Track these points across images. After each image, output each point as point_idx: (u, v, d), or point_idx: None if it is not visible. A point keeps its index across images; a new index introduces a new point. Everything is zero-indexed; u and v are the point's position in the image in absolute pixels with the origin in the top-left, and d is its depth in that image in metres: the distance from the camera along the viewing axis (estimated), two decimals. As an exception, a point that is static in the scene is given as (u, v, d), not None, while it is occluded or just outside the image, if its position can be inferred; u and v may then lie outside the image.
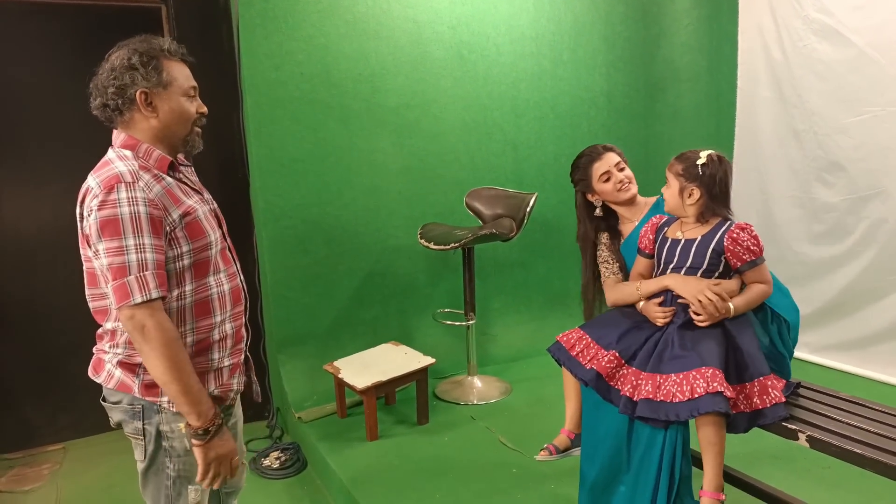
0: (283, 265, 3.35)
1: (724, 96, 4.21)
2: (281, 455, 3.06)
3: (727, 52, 4.15)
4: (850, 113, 3.25)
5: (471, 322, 3.39)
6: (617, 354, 1.96)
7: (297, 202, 3.36)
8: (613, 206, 2.32)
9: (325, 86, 3.32)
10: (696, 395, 1.73)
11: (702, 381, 1.74)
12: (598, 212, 2.33)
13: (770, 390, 1.79)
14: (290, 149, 3.32)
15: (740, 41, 3.99)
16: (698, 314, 1.89)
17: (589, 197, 2.34)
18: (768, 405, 1.78)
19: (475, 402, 3.29)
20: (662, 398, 1.79)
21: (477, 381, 3.43)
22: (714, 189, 1.92)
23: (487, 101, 3.78)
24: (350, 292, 3.49)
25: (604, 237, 2.34)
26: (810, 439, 1.68)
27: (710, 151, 1.93)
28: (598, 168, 2.26)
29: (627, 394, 1.88)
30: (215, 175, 3.23)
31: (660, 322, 1.97)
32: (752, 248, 1.89)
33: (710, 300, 1.85)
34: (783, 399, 1.78)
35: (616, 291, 2.25)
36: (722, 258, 1.92)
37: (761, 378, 1.82)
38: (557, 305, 3.98)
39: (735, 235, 1.89)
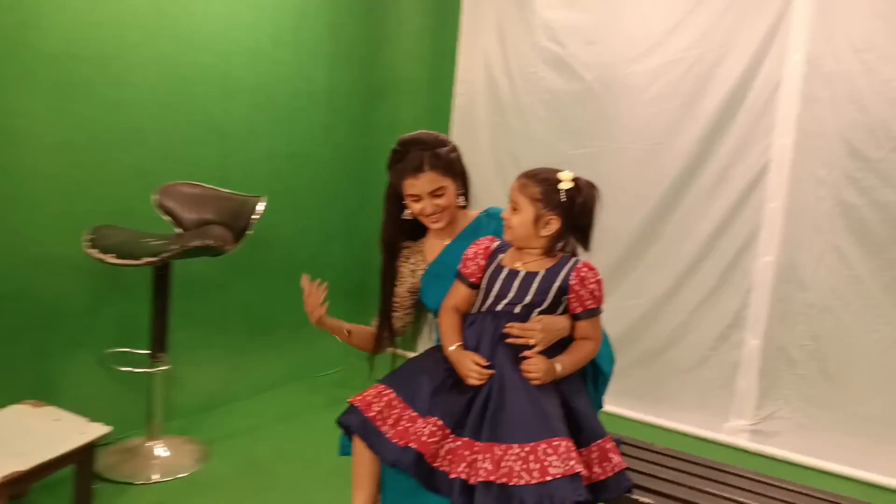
0: None
1: (441, 112, 4.05)
2: None
3: (448, 68, 4.00)
4: (575, 145, 3.32)
5: (161, 367, 2.48)
6: (441, 423, 1.45)
7: None
8: None
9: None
10: (548, 479, 1.33)
11: (555, 458, 1.35)
12: (407, 214, 1.80)
13: (610, 455, 1.50)
14: None
15: (461, 59, 3.87)
16: (529, 370, 1.50)
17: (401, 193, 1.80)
18: (610, 474, 1.48)
19: (160, 478, 2.39)
20: (504, 479, 1.35)
21: (160, 448, 2.52)
22: (578, 221, 1.57)
23: (190, 73, 2.91)
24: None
25: (405, 251, 1.85)
26: None
27: (571, 173, 1.57)
28: (410, 186, 1.73)
29: (462, 476, 1.39)
30: None
31: (472, 382, 1.52)
32: (595, 293, 1.58)
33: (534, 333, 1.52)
34: (625, 465, 1.49)
35: None
36: (564, 299, 1.57)
37: (599, 441, 1.51)
38: (260, 335, 3.27)
39: (583, 274, 1.57)
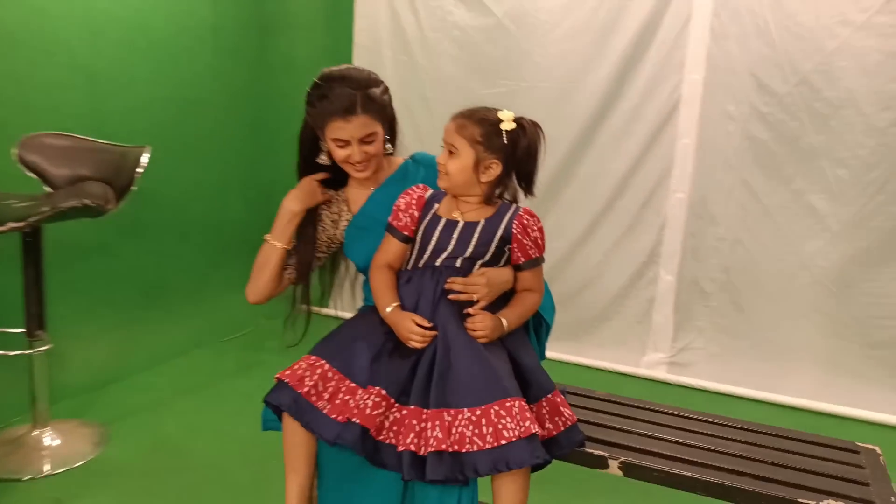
0: None
1: (341, 51, 3.77)
2: None
3: (345, 2, 3.71)
4: (486, 84, 3.19)
5: (42, 347, 2.17)
6: (384, 393, 1.32)
7: None
8: None
9: None
10: (503, 442, 1.25)
11: (508, 419, 1.27)
12: (323, 158, 1.61)
13: (561, 409, 1.43)
14: None
15: (357, -8, 3.60)
16: (475, 328, 1.40)
17: (319, 134, 1.59)
18: (562, 429, 1.41)
19: (52, 470, 2.12)
20: (457, 447, 1.26)
21: (49, 435, 2.23)
22: (521, 166, 1.45)
23: (45, 3, 2.49)
24: None
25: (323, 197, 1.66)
26: (624, 465, 1.37)
27: (512, 113, 1.43)
28: (337, 129, 1.52)
29: (411, 447, 1.28)
30: None
31: (414, 345, 1.40)
32: (538, 241, 1.48)
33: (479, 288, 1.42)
34: (575, 418, 1.43)
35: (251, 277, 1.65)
36: (507, 249, 1.46)
37: (549, 396, 1.44)
38: (155, 302, 2.97)
39: (526, 222, 1.46)
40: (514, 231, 1.45)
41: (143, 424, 2.41)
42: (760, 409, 2.66)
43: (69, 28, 2.56)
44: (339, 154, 1.55)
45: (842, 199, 2.56)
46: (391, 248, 1.51)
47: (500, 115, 1.41)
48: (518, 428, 1.25)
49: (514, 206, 1.49)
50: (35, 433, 2.24)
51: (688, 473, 1.32)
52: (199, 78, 3.15)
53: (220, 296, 3.22)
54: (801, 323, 2.69)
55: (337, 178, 1.67)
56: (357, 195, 1.66)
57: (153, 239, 2.96)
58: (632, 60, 2.87)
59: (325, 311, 3.68)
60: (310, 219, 1.64)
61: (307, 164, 1.66)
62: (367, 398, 1.31)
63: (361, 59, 3.52)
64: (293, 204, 1.60)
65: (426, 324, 1.39)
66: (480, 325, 1.39)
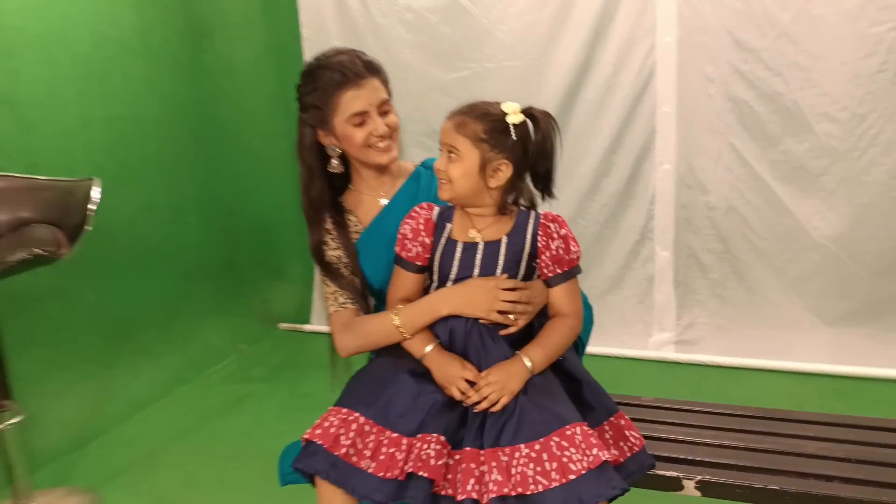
0: None
1: (286, 48, 3.53)
2: None
3: (282, -6, 3.46)
4: (449, 69, 3.02)
5: (13, 420, 1.93)
6: (442, 439, 1.18)
7: None
8: (355, 165, 1.46)
9: None
10: (571, 477, 1.12)
11: (573, 450, 1.13)
12: (334, 165, 1.42)
13: (627, 433, 1.31)
14: None
15: (294, -20, 3.36)
16: (484, 396, 1.24)
17: (321, 137, 1.41)
18: (629, 454, 1.29)
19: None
20: (520, 489, 1.12)
21: (35, 511, 2.01)
22: (535, 165, 1.28)
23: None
24: None
25: (328, 222, 1.45)
26: (703, 485, 1.27)
27: (516, 104, 1.27)
28: (352, 100, 1.34)
29: (473, 496, 1.13)
30: None
31: (454, 395, 1.25)
32: (573, 249, 1.31)
33: (515, 306, 1.26)
34: (643, 441, 1.32)
35: (357, 334, 1.39)
36: (535, 264, 1.32)
37: (612, 419, 1.32)
38: (125, 344, 2.71)
39: (549, 229, 1.30)
40: (540, 243, 1.29)
41: (135, 483, 2.19)
42: (778, 379, 2.61)
43: (-23, 52, 2.27)
44: (358, 135, 1.36)
45: (834, 155, 2.50)
46: (406, 282, 1.34)
47: (505, 107, 1.24)
48: (585, 458, 1.12)
49: (533, 212, 1.32)
50: (19, 512, 2.01)
51: (774, 486, 1.23)
52: (132, 91, 2.86)
53: (194, 326, 2.99)
54: (807, 286, 2.65)
55: (342, 186, 1.49)
56: (367, 204, 1.47)
57: (112, 276, 2.69)
58: (600, 27, 2.75)
59: (306, 327, 3.53)
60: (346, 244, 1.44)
61: (315, 177, 1.44)
62: (426, 447, 1.16)
63: (311, 53, 3.28)
64: (446, 308, 1.30)
65: (474, 378, 1.23)
66: (489, 389, 1.22)
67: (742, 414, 1.48)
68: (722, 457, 1.33)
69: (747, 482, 1.25)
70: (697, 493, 1.28)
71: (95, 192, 2.09)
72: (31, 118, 2.44)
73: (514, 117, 1.24)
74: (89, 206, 2.07)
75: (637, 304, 2.89)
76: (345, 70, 1.33)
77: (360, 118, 1.35)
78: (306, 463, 1.20)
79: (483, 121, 1.24)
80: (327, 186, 1.44)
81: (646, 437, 1.39)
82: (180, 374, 2.85)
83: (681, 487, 1.29)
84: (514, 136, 1.23)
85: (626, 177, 2.82)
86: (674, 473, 1.30)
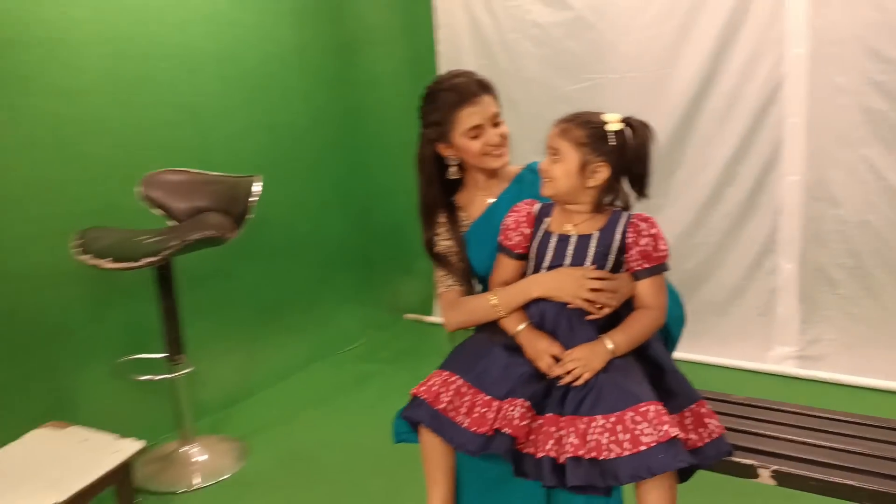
0: None
1: (422, 62, 3.81)
2: None
3: (423, 12, 3.74)
4: (571, 80, 3.15)
5: (184, 370, 2.31)
6: (528, 404, 1.32)
7: None
8: (470, 170, 1.64)
9: None
10: (642, 448, 1.21)
11: (646, 425, 1.23)
12: (452, 172, 1.61)
13: (706, 420, 1.38)
14: None
15: (437, 1, 3.62)
16: (567, 370, 1.36)
17: (440, 149, 1.60)
18: (707, 440, 1.37)
19: (203, 483, 2.26)
20: (594, 454, 1.24)
21: (197, 451, 2.37)
22: (631, 168, 1.40)
23: (149, 49, 2.63)
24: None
25: (441, 217, 1.64)
26: (777, 475, 1.31)
27: (616, 114, 1.40)
28: (469, 116, 1.52)
29: (551, 454, 1.27)
30: None
31: (542, 367, 1.38)
32: (660, 247, 1.42)
33: (600, 294, 1.37)
34: (723, 429, 1.38)
35: (461, 312, 1.57)
36: (623, 259, 1.43)
37: (693, 406, 1.39)
38: (273, 320, 3.09)
39: (639, 227, 1.41)
40: (629, 240, 1.41)
41: (276, 438, 2.52)
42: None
43: (172, 69, 2.70)
44: (474, 146, 1.54)
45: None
46: (506, 268, 1.50)
47: (605, 116, 1.38)
48: (656, 433, 1.21)
49: (626, 213, 1.44)
50: (183, 449, 2.39)
51: (851, 482, 1.25)
52: (289, 102, 3.24)
53: (331, 310, 3.33)
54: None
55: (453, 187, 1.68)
56: (476, 201, 1.65)
57: (266, 260, 3.08)
58: (724, 40, 2.77)
59: (429, 318, 3.77)
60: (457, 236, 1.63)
61: (432, 184, 1.64)
62: (513, 409, 1.31)
63: (445, 68, 3.55)
64: (536, 291, 1.45)
65: (562, 356, 1.38)
66: (573, 364, 1.34)
67: (833, 417, 1.49)
68: (802, 452, 1.35)
69: (824, 476, 1.27)
70: (772, 482, 1.32)
71: (257, 187, 2.44)
72: (207, 124, 2.86)
73: (614, 125, 1.37)
74: (251, 199, 2.41)
75: (758, 317, 2.84)
76: (461, 91, 1.53)
77: (476, 131, 1.53)
78: (412, 412, 1.40)
79: (584, 127, 1.38)
80: (442, 191, 1.64)
81: (729, 430, 1.45)
82: (317, 352, 3.19)
83: (756, 475, 1.34)
84: (613, 142, 1.37)
85: (750, 187, 2.80)
86: (751, 461, 1.34)
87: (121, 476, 1.92)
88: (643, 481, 1.23)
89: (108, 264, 2.06)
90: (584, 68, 3.10)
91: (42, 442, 1.99)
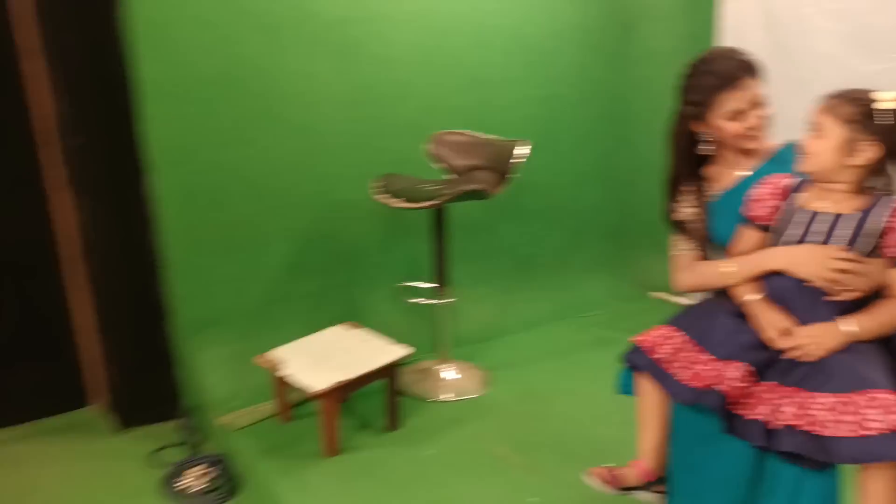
0: (190, 223, 2.48)
1: (699, 39, 3.71)
2: (207, 471, 2.23)
3: (705, -10, 3.66)
4: (872, 60, 2.85)
5: (448, 300, 2.70)
6: (752, 370, 1.36)
7: (205, 139, 2.48)
8: (723, 145, 1.67)
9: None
10: (865, 433, 1.18)
11: (876, 411, 1.19)
12: (706, 148, 1.66)
13: None
14: (196, 65, 2.42)
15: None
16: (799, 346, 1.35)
17: (695, 126, 1.64)
18: None
19: (452, 397, 2.63)
20: (813, 428, 1.23)
21: (449, 372, 2.75)
22: None
23: (448, 24, 3.02)
24: (283, 259, 2.69)
25: (687, 187, 1.70)
26: None
27: (893, 93, 1.34)
28: (731, 101, 1.55)
29: (760, 417, 1.29)
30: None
31: (775, 342, 1.38)
32: None
33: (845, 276, 1.33)
34: None
35: (693, 275, 1.62)
36: (878, 244, 1.38)
37: None
38: (525, 275, 3.38)
39: None
40: (889, 224, 1.34)
41: (515, 376, 2.80)
42: None
43: (463, 43, 3.06)
44: (732, 127, 1.57)
45: None
46: (749, 239, 1.52)
47: (878, 94, 1.33)
48: (885, 420, 1.17)
49: (889, 197, 1.37)
50: (438, 367, 2.78)
51: None
52: (564, 76, 3.42)
53: (580, 276, 3.51)
54: None
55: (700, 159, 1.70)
56: (723, 174, 1.67)
57: (525, 221, 3.36)
58: None
59: (675, 299, 3.72)
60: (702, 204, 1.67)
61: (682, 158, 1.68)
62: (734, 371, 1.35)
63: (727, 43, 3.42)
64: (774, 263, 1.45)
65: (793, 330, 1.38)
66: (805, 340, 1.33)
67: None
68: None
69: None
70: None
71: (521, 150, 2.69)
72: (488, 94, 3.19)
73: (890, 104, 1.32)
74: (515, 160, 2.68)
75: None
76: (724, 75, 1.53)
77: (736, 115, 1.55)
78: (631, 357, 1.52)
79: (855, 104, 1.35)
80: (691, 164, 1.67)
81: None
82: (562, 311, 3.38)
83: None
84: (890, 121, 1.31)
85: None
86: None
87: (390, 373, 2.35)
88: (868, 467, 1.22)
89: (400, 203, 2.50)
90: (889, 47, 2.78)
91: (338, 336, 2.52)
